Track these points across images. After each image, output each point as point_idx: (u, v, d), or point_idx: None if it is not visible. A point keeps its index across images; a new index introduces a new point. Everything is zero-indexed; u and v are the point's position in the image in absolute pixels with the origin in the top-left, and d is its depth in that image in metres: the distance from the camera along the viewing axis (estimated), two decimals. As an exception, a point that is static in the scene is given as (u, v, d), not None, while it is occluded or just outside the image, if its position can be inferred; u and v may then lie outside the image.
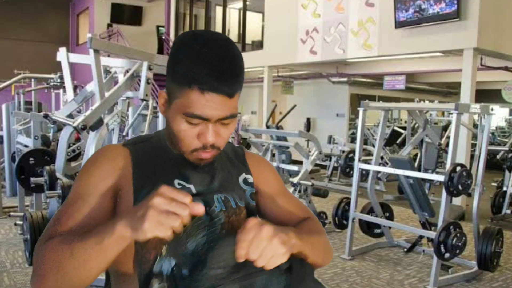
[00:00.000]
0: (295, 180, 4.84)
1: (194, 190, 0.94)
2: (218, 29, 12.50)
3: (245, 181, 1.03)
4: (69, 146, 3.49)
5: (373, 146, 6.58)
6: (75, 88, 5.36)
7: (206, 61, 0.84)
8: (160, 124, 7.48)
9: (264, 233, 0.76)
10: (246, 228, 0.76)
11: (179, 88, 0.86)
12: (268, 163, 1.15)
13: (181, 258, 0.89)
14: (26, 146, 4.81)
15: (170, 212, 0.71)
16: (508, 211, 6.00)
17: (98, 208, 0.87)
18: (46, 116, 3.21)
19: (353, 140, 10.16)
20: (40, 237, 0.85)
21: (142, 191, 0.89)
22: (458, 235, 3.56)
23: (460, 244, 3.58)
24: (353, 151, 5.30)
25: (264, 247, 0.75)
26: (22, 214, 3.51)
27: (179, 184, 0.93)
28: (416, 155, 6.81)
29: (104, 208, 0.88)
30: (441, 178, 3.71)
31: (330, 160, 8.52)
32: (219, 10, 12.29)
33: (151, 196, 0.73)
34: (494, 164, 7.89)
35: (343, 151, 7.33)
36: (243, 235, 0.75)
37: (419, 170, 5.39)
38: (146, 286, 0.87)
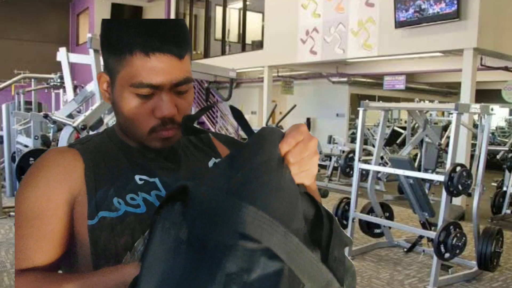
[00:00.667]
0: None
1: (159, 184, 0.82)
2: (218, 29, 12.50)
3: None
4: (69, 146, 3.50)
5: (373, 146, 6.58)
6: (75, 88, 5.36)
7: (145, 24, 0.75)
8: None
9: (312, 144, 0.63)
10: (299, 130, 0.63)
11: (120, 59, 0.75)
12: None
13: None
14: (26, 146, 4.82)
15: None
16: (508, 211, 6.00)
17: (59, 227, 0.75)
18: (46, 116, 3.22)
19: (353, 140, 10.16)
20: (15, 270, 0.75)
21: (98, 192, 0.77)
22: (458, 235, 3.56)
23: (460, 244, 3.58)
24: (353, 151, 5.30)
25: (305, 156, 0.63)
26: (22, 214, 3.52)
27: (140, 179, 0.81)
28: (416, 155, 6.81)
29: (66, 224, 0.76)
30: (441, 178, 3.71)
31: (330, 160, 8.52)
32: (219, 10, 12.30)
33: None
34: (494, 164, 7.90)
35: (343, 151, 7.33)
36: (294, 133, 0.62)
37: (419, 170, 5.39)
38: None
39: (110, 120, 3.03)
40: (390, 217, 4.75)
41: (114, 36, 0.76)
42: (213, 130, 11.54)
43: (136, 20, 0.75)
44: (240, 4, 11.56)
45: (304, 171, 0.62)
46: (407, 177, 4.10)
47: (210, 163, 0.90)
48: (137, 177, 0.81)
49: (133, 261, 0.75)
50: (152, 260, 0.58)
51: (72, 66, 3.55)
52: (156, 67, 0.74)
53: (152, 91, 0.76)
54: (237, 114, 0.67)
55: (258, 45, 10.72)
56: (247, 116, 13.60)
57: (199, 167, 0.88)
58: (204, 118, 11.56)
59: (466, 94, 6.38)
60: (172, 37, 0.75)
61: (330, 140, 8.90)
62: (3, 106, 6.35)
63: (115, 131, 0.87)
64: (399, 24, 6.94)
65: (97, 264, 0.75)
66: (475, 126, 6.39)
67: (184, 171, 0.85)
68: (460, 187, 3.55)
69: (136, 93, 0.76)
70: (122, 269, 0.68)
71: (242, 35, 11.52)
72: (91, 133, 2.89)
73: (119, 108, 0.79)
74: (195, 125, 0.77)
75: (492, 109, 4.11)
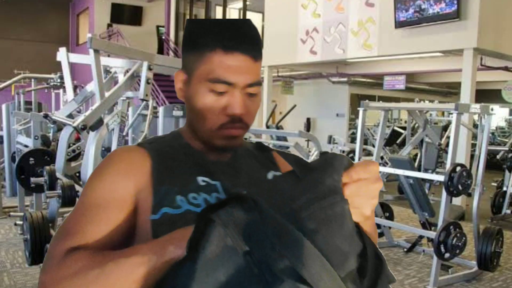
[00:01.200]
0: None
1: (220, 187, 0.83)
2: (218, 29, 12.51)
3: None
4: (69, 146, 3.50)
5: (373, 146, 6.58)
6: (75, 88, 5.36)
7: (227, 24, 0.80)
8: (160, 124, 7.46)
9: (374, 187, 0.63)
10: (368, 168, 0.62)
11: (200, 55, 0.79)
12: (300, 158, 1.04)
13: None
14: (26, 146, 4.81)
15: None
16: (508, 211, 6.00)
17: (121, 217, 0.76)
18: (46, 116, 3.21)
19: (353, 140, 10.16)
20: (50, 250, 0.71)
21: (162, 188, 0.79)
22: (458, 235, 3.56)
23: (460, 244, 3.58)
24: (353, 151, 5.31)
25: (362, 194, 0.62)
26: (22, 214, 3.51)
27: (203, 181, 0.83)
28: (416, 155, 6.81)
29: (128, 216, 0.77)
30: (441, 178, 3.71)
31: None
32: (219, 10, 12.31)
33: None
34: (494, 164, 7.90)
35: (343, 151, 7.33)
36: (360, 168, 0.61)
37: (419, 170, 5.39)
38: None
39: (110, 120, 3.03)
40: (390, 217, 4.75)
41: (197, 34, 0.81)
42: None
43: (218, 20, 0.80)
44: (240, 4, 11.57)
45: (355, 207, 0.62)
46: (407, 177, 4.10)
47: (269, 175, 0.90)
48: (199, 178, 0.83)
49: None
50: (205, 260, 0.59)
51: (72, 66, 3.54)
52: (233, 65, 0.78)
53: (227, 88, 0.79)
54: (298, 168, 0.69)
55: (258, 45, 10.72)
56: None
57: (258, 176, 0.89)
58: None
59: (466, 94, 6.38)
60: (250, 39, 0.79)
61: (330, 140, 8.89)
62: (3, 106, 6.35)
63: (181, 134, 0.90)
64: (399, 24, 6.94)
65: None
66: (475, 126, 6.40)
67: (243, 178, 0.86)
68: (460, 187, 3.55)
69: (211, 89, 0.79)
70: (167, 247, 0.66)
71: (242, 35, 11.51)
72: (91, 133, 2.89)
73: (192, 103, 0.83)
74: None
75: (492, 109, 4.11)
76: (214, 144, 0.84)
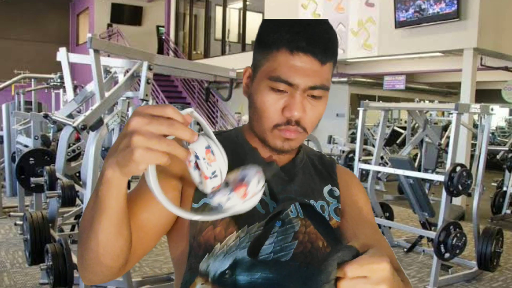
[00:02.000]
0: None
1: (267, 189, 0.82)
2: (218, 29, 12.51)
3: (331, 192, 0.90)
4: (69, 146, 3.49)
5: (373, 146, 6.58)
6: (75, 88, 5.35)
7: (299, 24, 0.77)
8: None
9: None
10: (373, 265, 0.55)
11: (266, 53, 0.79)
12: (360, 183, 0.98)
13: (237, 264, 0.78)
14: (26, 146, 4.81)
15: (155, 134, 0.56)
16: (508, 211, 6.00)
17: (167, 195, 0.76)
18: (46, 116, 3.21)
19: (353, 140, 10.15)
20: None
21: None
22: (458, 235, 3.56)
23: (460, 244, 3.58)
24: (353, 151, 5.31)
25: None
26: (22, 214, 3.52)
27: None
28: (416, 155, 6.81)
29: (174, 197, 0.79)
30: (441, 178, 3.71)
31: (330, 160, 8.50)
32: (219, 10, 12.30)
33: (128, 120, 0.58)
34: (494, 164, 7.90)
35: (343, 151, 7.34)
36: (362, 263, 0.55)
37: (419, 170, 5.39)
38: (188, 282, 0.79)
39: (110, 120, 3.03)
40: (390, 217, 4.75)
41: (267, 32, 0.79)
42: (212, 130, 11.56)
43: (292, 20, 0.78)
44: (240, 4, 11.56)
45: None
46: (407, 177, 4.10)
47: (326, 189, 0.90)
48: None
49: (221, 254, 0.78)
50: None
51: (72, 66, 3.54)
52: (296, 66, 0.76)
53: (287, 89, 0.77)
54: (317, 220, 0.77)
55: (258, 45, 10.71)
56: (246, 116, 13.57)
57: (312, 188, 0.88)
58: (204, 118, 11.56)
59: (466, 94, 6.38)
60: (320, 41, 0.76)
61: (330, 140, 8.89)
62: (3, 106, 6.34)
63: (242, 131, 0.90)
64: (399, 24, 6.94)
65: (192, 245, 0.79)
66: (475, 126, 6.40)
67: (296, 186, 0.86)
68: (460, 187, 3.55)
69: (271, 87, 0.78)
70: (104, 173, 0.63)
71: (242, 35, 11.52)
72: (91, 133, 2.89)
73: (253, 100, 0.82)
74: None
75: (492, 109, 4.11)
76: (269, 143, 0.83)
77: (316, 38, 0.76)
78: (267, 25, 0.81)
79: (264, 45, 0.79)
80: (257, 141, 0.86)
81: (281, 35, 0.77)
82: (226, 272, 0.78)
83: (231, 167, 0.80)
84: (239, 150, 0.86)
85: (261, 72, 0.80)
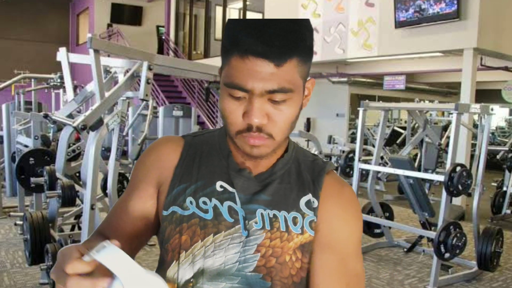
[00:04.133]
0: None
1: (237, 197, 0.80)
2: (218, 29, 12.50)
3: (308, 204, 0.81)
4: (69, 146, 3.49)
5: (373, 146, 6.58)
6: (75, 88, 5.35)
7: (258, 25, 0.71)
8: (160, 124, 7.46)
9: None
10: None
11: (225, 58, 0.75)
12: (354, 201, 0.85)
13: (201, 273, 0.78)
14: (26, 146, 4.81)
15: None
16: (508, 211, 6.00)
17: (143, 194, 0.85)
18: (46, 116, 3.21)
19: (353, 140, 10.15)
20: None
21: (179, 186, 0.82)
22: (458, 235, 3.56)
23: (460, 244, 3.58)
24: (353, 151, 5.30)
25: None
26: (22, 214, 3.52)
27: (221, 187, 0.81)
28: (416, 155, 6.81)
29: (148, 195, 0.85)
30: (441, 178, 3.71)
31: (330, 160, 8.52)
32: (219, 10, 12.29)
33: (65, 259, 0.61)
34: (494, 164, 7.89)
35: (343, 151, 7.33)
36: None
37: (419, 170, 5.39)
38: None
39: (110, 120, 3.03)
40: (390, 217, 4.75)
41: (226, 35, 0.75)
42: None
43: (253, 20, 0.73)
44: (240, 4, 11.56)
45: None
46: (407, 177, 4.10)
47: (304, 199, 0.82)
48: (218, 183, 0.82)
49: (186, 262, 0.79)
50: None
51: (72, 66, 3.54)
52: (249, 70, 0.71)
53: (244, 95, 0.73)
54: None
55: (258, 45, 10.71)
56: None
57: (287, 197, 0.82)
58: (204, 118, 11.56)
59: (466, 94, 6.38)
60: (275, 41, 0.70)
61: (330, 140, 8.88)
62: (3, 106, 6.35)
63: (225, 132, 0.85)
64: (399, 24, 6.93)
65: (162, 252, 0.83)
66: (475, 126, 6.39)
67: (266, 195, 0.81)
68: (460, 187, 3.55)
69: (230, 94, 0.74)
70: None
71: (242, 35, 11.49)
72: (91, 133, 2.89)
73: (219, 106, 0.80)
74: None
75: (492, 109, 4.11)
76: (239, 148, 0.79)
77: (270, 39, 0.70)
78: (228, 27, 0.76)
79: (223, 49, 0.76)
80: (233, 145, 0.83)
81: (237, 39, 0.72)
82: (191, 280, 0.78)
83: (198, 172, 0.84)
84: (215, 154, 0.85)
85: (222, 79, 0.77)
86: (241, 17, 11.70)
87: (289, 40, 0.71)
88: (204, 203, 0.80)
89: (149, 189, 0.84)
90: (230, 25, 0.75)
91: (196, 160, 0.84)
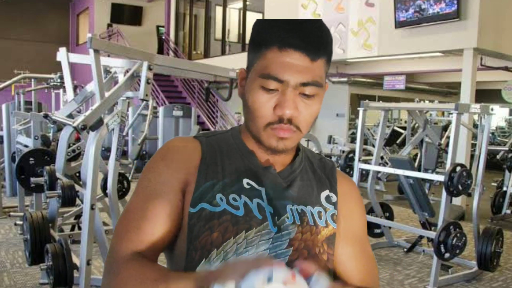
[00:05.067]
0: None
1: (264, 194, 0.82)
2: (218, 29, 12.50)
3: (328, 198, 0.88)
4: (69, 146, 3.49)
5: (373, 146, 6.57)
6: (75, 88, 5.36)
7: (288, 22, 0.77)
8: (160, 124, 7.46)
9: None
10: None
11: (258, 52, 0.79)
12: (360, 195, 0.95)
13: None
14: (26, 146, 4.80)
15: None
16: (508, 211, 6.00)
17: (175, 206, 0.80)
18: (46, 116, 3.21)
19: (353, 140, 10.15)
20: (113, 242, 0.80)
21: (205, 184, 0.81)
22: (458, 235, 3.56)
23: (460, 244, 3.58)
24: (353, 151, 5.30)
25: None
26: (22, 214, 3.51)
27: (248, 184, 0.82)
28: (416, 155, 6.81)
29: (180, 206, 0.81)
30: (441, 178, 3.71)
31: (330, 160, 8.49)
32: (219, 10, 12.30)
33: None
34: (494, 164, 7.89)
35: (343, 151, 7.32)
36: None
37: (419, 170, 5.39)
38: None
39: (110, 120, 3.03)
40: (390, 217, 4.75)
41: (258, 32, 0.80)
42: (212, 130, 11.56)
43: (283, 19, 0.78)
44: (240, 4, 11.56)
45: None
46: (407, 177, 4.10)
47: (323, 194, 0.88)
48: (245, 181, 0.83)
49: (217, 259, 0.78)
50: None
51: (72, 66, 3.53)
52: (285, 63, 0.75)
53: (278, 87, 0.77)
54: None
55: (258, 45, 10.71)
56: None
57: (310, 193, 0.86)
58: (204, 118, 11.55)
59: (466, 94, 6.38)
60: (310, 38, 0.76)
61: (330, 140, 8.89)
62: (3, 106, 6.35)
63: (239, 132, 0.89)
64: (399, 24, 6.93)
65: (189, 251, 0.79)
66: (475, 126, 6.39)
67: (294, 191, 0.85)
68: (460, 187, 3.55)
69: (262, 86, 0.77)
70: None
71: (242, 35, 11.52)
72: (91, 133, 2.89)
73: (246, 99, 0.82)
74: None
75: (492, 109, 4.11)
76: (263, 143, 0.82)
77: (306, 35, 0.76)
78: (259, 25, 0.80)
79: (256, 44, 0.79)
80: (253, 142, 0.85)
81: (272, 34, 0.76)
82: None
83: (224, 170, 0.82)
84: (236, 153, 0.86)
85: (253, 72, 0.80)
86: (241, 17, 11.71)
87: (323, 38, 0.78)
88: (234, 199, 0.80)
89: (178, 193, 0.81)
90: (261, 23, 0.80)
91: (218, 158, 0.84)
